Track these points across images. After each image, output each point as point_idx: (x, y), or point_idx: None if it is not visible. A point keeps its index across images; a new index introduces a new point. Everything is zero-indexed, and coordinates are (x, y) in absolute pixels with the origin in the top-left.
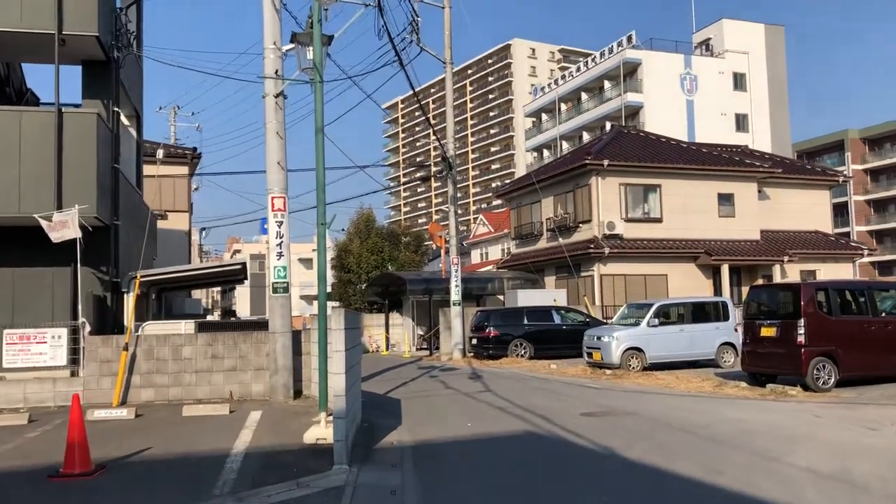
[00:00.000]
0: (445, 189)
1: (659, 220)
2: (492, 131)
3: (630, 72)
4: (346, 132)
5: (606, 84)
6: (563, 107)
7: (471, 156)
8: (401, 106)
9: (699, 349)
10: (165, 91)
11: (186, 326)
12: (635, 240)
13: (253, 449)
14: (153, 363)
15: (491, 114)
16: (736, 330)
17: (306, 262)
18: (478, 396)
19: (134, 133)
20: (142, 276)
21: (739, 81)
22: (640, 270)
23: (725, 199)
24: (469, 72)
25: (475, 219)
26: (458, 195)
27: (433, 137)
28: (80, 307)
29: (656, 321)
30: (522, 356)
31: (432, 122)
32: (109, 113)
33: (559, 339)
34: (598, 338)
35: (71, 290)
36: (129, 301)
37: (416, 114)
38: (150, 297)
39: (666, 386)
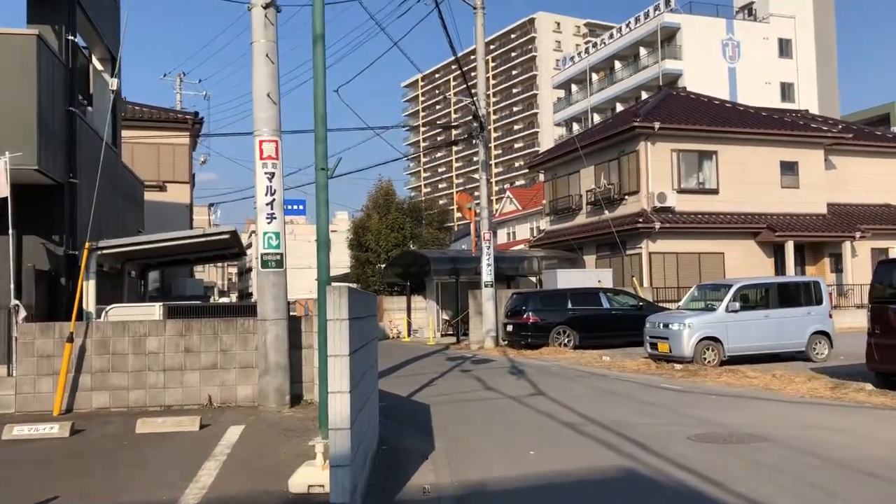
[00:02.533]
0: (471, 155)
1: (715, 192)
2: (514, 108)
3: (668, 38)
4: (363, 110)
5: (642, 51)
6: (595, 77)
7: (493, 134)
8: (420, 83)
9: (786, 339)
10: (170, 57)
11: (158, 311)
12: (688, 213)
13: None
14: (108, 359)
15: (514, 90)
16: (830, 316)
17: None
18: (530, 402)
19: (110, 81)
20: (101, 248)
21: (785, 48)
22: (693, 248)
23: (788, 168)
24: (491, 47)
25: (498, 199)
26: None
27: (452, 100)
28: (22, 286)
29: (737, 305)
30: (566, 345)
31: (453, 97)
32: (62, 42)
33: (608, 325)
34: (666, 325)
35: (15, 265)
36: (89, 280)
37: (437, 91)
38: (125, 275)
39: (765, 388)
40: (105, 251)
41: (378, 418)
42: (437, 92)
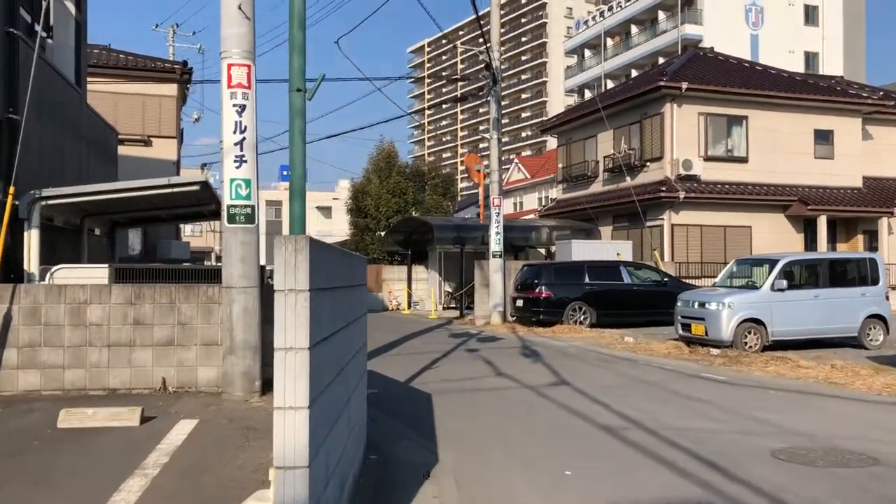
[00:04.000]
0: (476, 124)
1: (744, 160)
2: (523, 76)
3: (689, 1)
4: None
5: (661, 15)
6: (610, 42)
7: (501, 127)
8: (427, 50)
9: (837, 323)
10: (162, 5)
11: (101, 273)
12: (715, 183)
13: None
14: (40, 331)
15: (523, 58)
16: (887, 298)
17: (325, 211)
18: (552, 395)
19: (73, 9)
20: (44, 197)
21: (811, 15)
22: (719, 220)
23: (823, 137)
24: (501, 13)
25: (504, 169)
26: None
27: (459, 49)
28: None
29: (784, 283)
30: (582, 323)
31: (460, 48)
32: None
33: (629, 303)
34: (702, 305)
35: None
36: (31, 235)
37: (444, 57)
38: (85, 233)
39: (826, 381)
40: (51, 201)
41: (365, 417)
42: (443, 58)
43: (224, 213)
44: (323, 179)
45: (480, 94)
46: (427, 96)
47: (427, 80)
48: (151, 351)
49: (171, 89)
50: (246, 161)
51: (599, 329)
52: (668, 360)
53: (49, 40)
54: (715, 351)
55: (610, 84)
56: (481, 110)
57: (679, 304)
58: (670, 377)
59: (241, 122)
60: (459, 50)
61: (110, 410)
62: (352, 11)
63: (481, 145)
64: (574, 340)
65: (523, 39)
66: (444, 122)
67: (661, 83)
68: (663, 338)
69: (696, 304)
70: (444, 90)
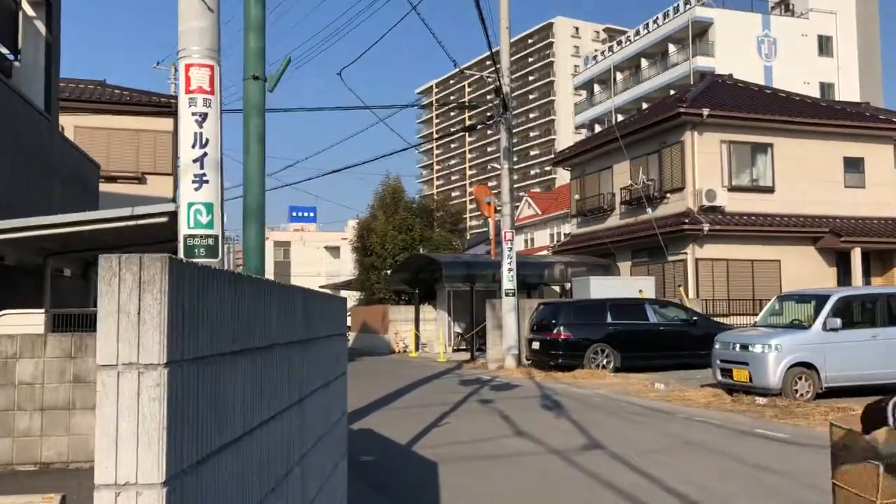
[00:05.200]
0: (484, 162)
1: (770, 190)
2: (531, 115)
3: (700, 33)
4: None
5: (671, 48)
6: (619, 76)
7: (513, 156)
8: (435, 90)
9: None
10: (164, 43)
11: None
12: (740, 214)
13: None
14: None
15: (530, 97)
16: None
17: (334, 251)
18: (588, 464)
19: (43, 29)
20: None
21: (825, 45)
22: (745, 254)
23: (853, 166)
24: (510, 64)
25: (515, 206)
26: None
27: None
28: None
29: (837, 322)
30: (605, 367)
31: (469, 83)
32: None
33: (655, 344)
34: (744, 347)
35: None
36: None
37: (452, 97)
38: (48, 273)
39: None
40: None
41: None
42: (451, 98)
43: (181, 246)
44: (333, 219)
45: (490, 121)
46: (435, 135)
47: (435, 120)
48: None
49: (167, 124)
50: (207, 181)
51: (624, 374)
52: (710, 411)
53: (16, 62)
54: (761, 400)
55: (620, 118)
56: (490, 148)
57: (717, 346)
58: (721, 436)
59: (201, 133)
60: (468, 87)
61: (18, 500)
62: (360, 44)
63: (490, 183)
64: (598, 388)
65: (531, 78)
66: (452, 161)
67: (681, 110)
68: (697, 383)
69: (738, 347)
70: (452, 129)
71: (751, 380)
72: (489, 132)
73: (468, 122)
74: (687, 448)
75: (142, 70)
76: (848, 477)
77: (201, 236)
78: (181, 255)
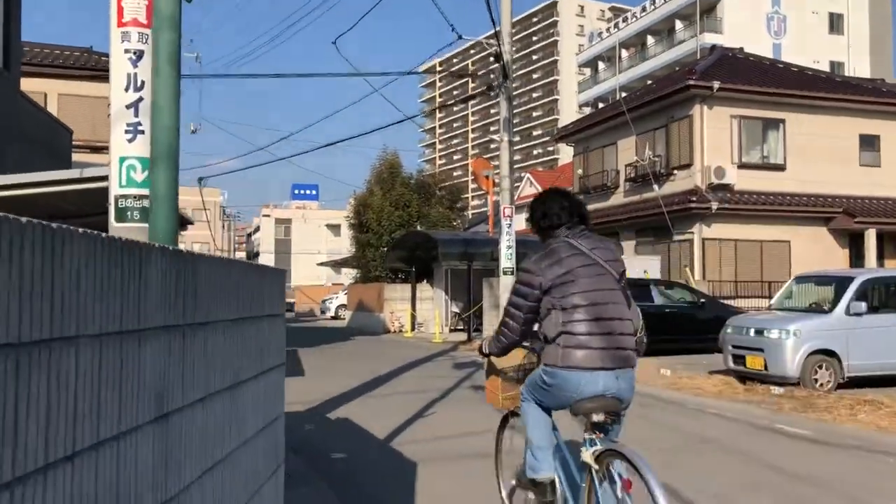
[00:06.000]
0: (487, 136)
1: (781, 168)
2: (534, 94)
3: (708, 9)
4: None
5: (678, 24)
6: (625, 53)
7: (513, 128)
8: (438, 69)
9: None
10: None
11: None
12: (750, 193)
13: None
14: None
15: (534, 76)
16: None
17: (335, 229)
18: None
19: None
20: None
21: (836, 23)
22: (754, 234)
23: (868, 143)
24: (511, 30)
25: (517, 187)
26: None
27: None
28: None
29: (862, 306)
30: None
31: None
32: None
33: (660, 327)
34: (759, 332)
35: None
36: None
37: (455, 78)
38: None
39: None
40: None
41: None
42: (454, 79)
43: (111, 208)
44: (336, 198)
45: (490, 91)
46: (438, 115)
47: (439, 99)
48: None
49: None
50: (143, 132)
51: None
52: (723, 401)
53: None
54: (777, 390)
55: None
56: (492, 128)
57: (729, 330)
58: (737, 431)
59: (135, 75)
60: (471, 66)
61: None
62: (370, 27)
63: (494, 163)
64: None
65: (534, 57)
66: (455, 141)
67: (691, 82)
68: (705, 370)
69: (752, 332)
70: (451, 102)
71: (766, 367)
72: (493, 111)
73: (471, 91)
74: (701, 447)
75: None
76: (489, 383)
77: (135, 197)
78: (112, 218)
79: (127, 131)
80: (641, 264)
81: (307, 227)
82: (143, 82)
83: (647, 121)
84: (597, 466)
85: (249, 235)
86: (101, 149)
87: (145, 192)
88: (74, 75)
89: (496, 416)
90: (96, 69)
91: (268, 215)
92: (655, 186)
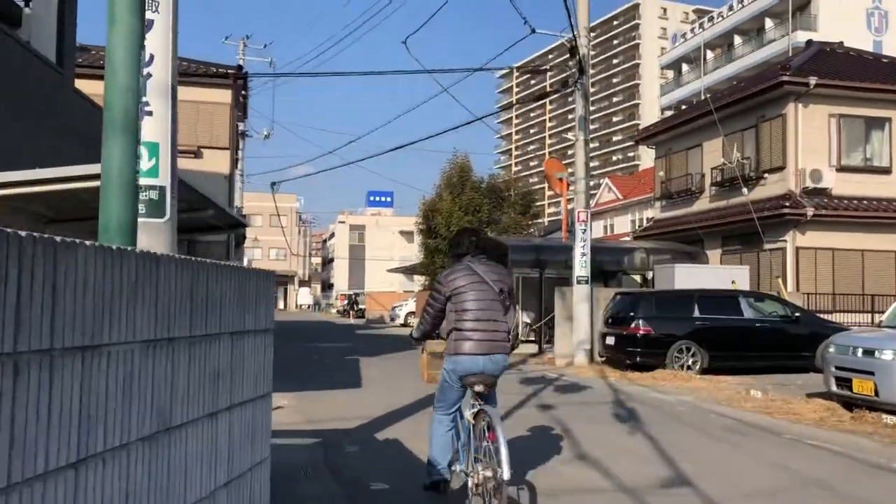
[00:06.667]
0: (566, 139)
1: (887, 171)
2: (614, 99)
3: (801, 6)
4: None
5: (768, 23)
6: (710, 54)
7: (590, 130)
8: (515, 74)
9: None
10: (233, 19)
11: None
12: (850, 198)
13: None
14: None
15: (614, 80)
16: None
17: (408, 235)
18: None
19: None
20: None
21: None
22: (855, 243)
23: None
24: (591, 34)
25: (593, 194)
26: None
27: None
28: None
29: None
30: (690, 368)
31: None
32: None
33: (749, 343)
34: (869, 353)
35: None
36: None
37: (532, 82)
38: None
39: None
40: None
41: None
42: (531, 83)
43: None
44: (411, 203)
45: (568, 90)
46: (515, 121)
47: (515, 105)
48: None
49: (225, 96)
50: (151, 113)
51: (712, 376)
52: (825, 431)
53: (26, 8)
54: (891, 419)
55: None
56: (569, 134)
57: (832, 349)
58: (847, 470)
59: (144, 47)
60: (549, 72)
61: None
62: (450, 27)
63: (570, 170)
64: (683, 393)
65: (614, 61)
66: (531, 147)
67: (784, 78)
68: (801, 392)
69: (860, 352)
70: (531, 115)
71: (877, 393)
72: (570, 116)
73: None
74: (805, 490)
75: (211, 47)
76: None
77: (142, 188)
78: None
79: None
80: (728, 274)
81: (381, 233)
82: (151, 57)
83: (735, 121)
84: (474, 422)
85: (325, 241)
86: None
87: (154, 181)
88: None
89: (566, 441)
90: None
91: (343, 221)
92: (744, 190)
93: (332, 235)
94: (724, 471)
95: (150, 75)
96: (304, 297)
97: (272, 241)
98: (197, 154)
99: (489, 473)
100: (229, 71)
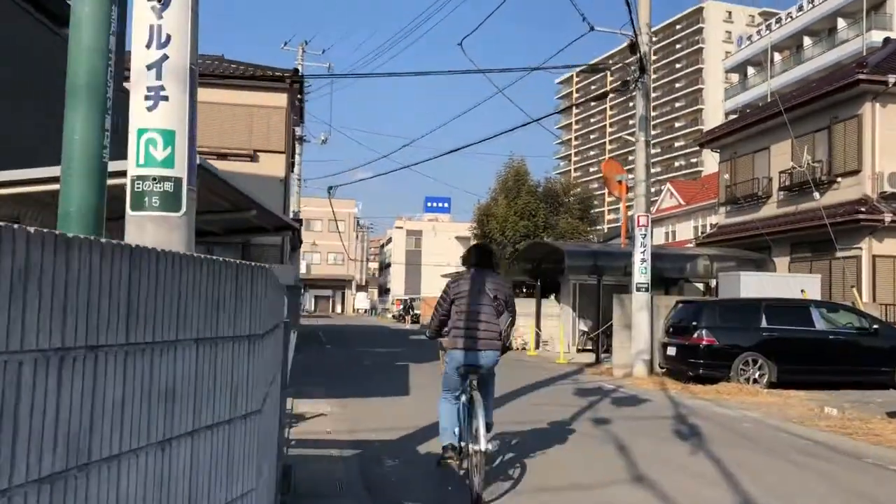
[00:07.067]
0: (628, 143)
1: None
2: (677, 104)
3: (876, 5)
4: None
5: (840, 23)
6: (777, 57)
7: (651, 132)
8: (575, 79)
9: None
10: (289, 23)
11: None
12: None
13: None
14: None
15: (676, 85)
16: None
17: (464, 241)
18: None
19: None
20: None
21: None
22: None
23: None
24: (654, 39)
25: (654, 200)
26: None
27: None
28: None
29: None
30: (757, 382)
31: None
32: None
33: (822, 356)
34: None
35: None
36: None
37: (593, 87)
38: None
39: None
40: None
41: None
42: (592, 88)
43: (128, 192)
44: (467, 209)
45: (625, 87)
46: (574, 127)
47: (575, 110)
48: None
49: (281, 99)
50: (166, 98)
51: (781, 391)
52: None
53: None
54: None
55: None
56: (629, 134)
57: None
58: None
59: (159, 27)
60: (610, 76)
61: None
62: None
63: (630, 174)
64: (749, 409)
65: (677, 66)
66: (592, 153)
67: (861, 76)
68: (881, 410)
69: None
70: (591, 120)
71: None
72: (630, 122)
73: (609, 87)
74: None
75: (270, 57)
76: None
77: (155, 178)
78: (128, 204)
79: (147, 97)
80: (798, 283)
81: (437, 239)
82: (168, 37)
83: (805, 122)
84: (469, 405)
85: (383, 246)
86: (229, 155)
87: (169, 172)
88: (205, 83)
89: (622, 461)
90: (227, 76)
91: (400, 227)
92: (816, 195)
93: (389, 241)
94: (797, 498)
95: (166, 57)
96: (360, 301)
97: (330, 246)
98: (253, 157)
99: (477, 447)
100: (286, 74)
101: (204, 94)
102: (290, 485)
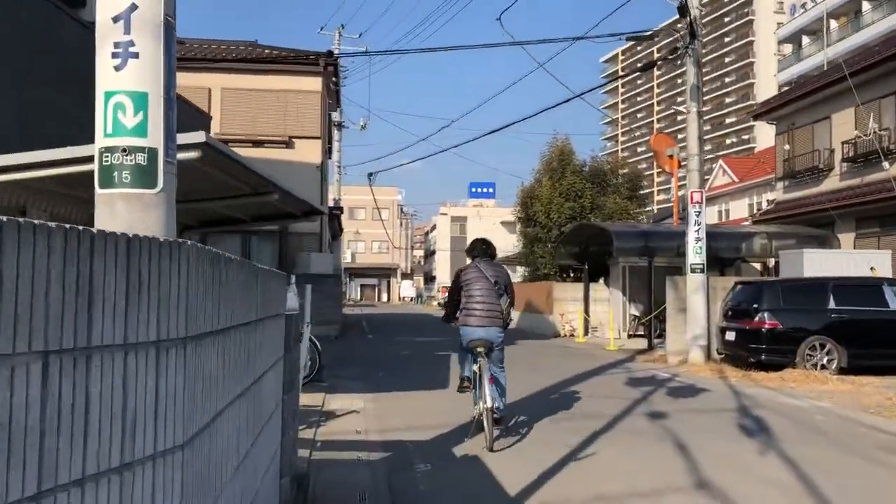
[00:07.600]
0: (677, 121)
1: None
2: (727, 80)
3: None
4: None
5: None
6: (834, 24)
7: (702, 96)
8: (621, 58)
9: None
10: (326, 9)
11: None
12: None
13: None
14: None
15: (726, 59)
16: None
17: (510, 226)
18: None
19: None
20: None
21: None
22: None
23: None
24: (701, 13)
25: (706, 178)
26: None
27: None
28: None
29: None
30: (825, 368)
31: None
32: None
33: (894, 339)
34: None
35: None
36: None
37: (638, 64)
38: None
39: None
40: None
41: None
42: (637, 66)
43: (96, 167)
44: (512, 193)
45: (676, 57)
46: (621, 105)
47: (621, 89)
48: None
49: (315, 83)
50: (136, 55)
51: (852, 377)
52: None
53: None
54: None
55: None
56: (679, 117)
57: None
58: None
59: None
60: (656, 52)
61: None
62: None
63: (682, 146)
64: (819, 398)
65: (726, 40)
66: (638, 133)
67: None
68: None
69: None
70: (638, 98)
71: None
72: (679, 99)
73: (656, 56)
74: None
75: (307, 40)
76: None
77: (124, 149)
78: (96, 181)
79: (114, 55)
80: (866, 260)
81: (482, 224)
82: None
83: (870, 88)
84: (478, 372)
85: (427, 234)
86: (263, 142)
87: (141, 141)
88: (237, 69)
89: (681, 462)
90: (260, 61)
91: (444, 213)
92: (885, 165)
93: (434, 228)
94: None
95: (135, 6)
96: (406, 289)
97: (374, 235)
98: (288, 144)
99: (486, 406)
100: (319, 57)
101: (237, 80)
102: (305, 497)
